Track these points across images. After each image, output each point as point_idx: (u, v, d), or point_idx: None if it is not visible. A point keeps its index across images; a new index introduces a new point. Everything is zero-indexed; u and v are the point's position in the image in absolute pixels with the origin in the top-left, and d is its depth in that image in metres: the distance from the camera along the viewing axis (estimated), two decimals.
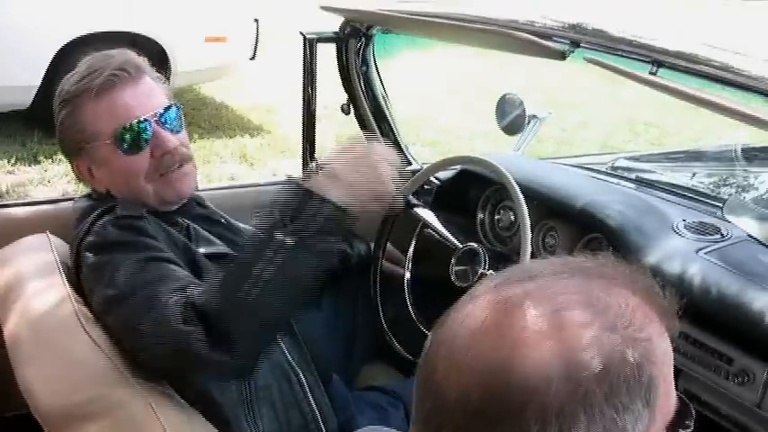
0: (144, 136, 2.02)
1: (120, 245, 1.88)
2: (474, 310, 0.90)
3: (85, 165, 2.10)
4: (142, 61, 2.08)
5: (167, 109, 2.07)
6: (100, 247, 1.90)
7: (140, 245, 1.87)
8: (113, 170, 2.06)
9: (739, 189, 2.94)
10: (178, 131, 2.09)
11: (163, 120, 2.04)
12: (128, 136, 2.00)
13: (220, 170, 6.52)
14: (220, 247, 2.10)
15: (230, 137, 7.12)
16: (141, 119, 2.01)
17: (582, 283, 0.91)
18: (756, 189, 3.08)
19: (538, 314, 0.86)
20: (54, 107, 2.09)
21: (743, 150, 3.18)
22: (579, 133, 8.09)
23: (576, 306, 0.87)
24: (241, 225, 2.33)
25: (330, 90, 2.92)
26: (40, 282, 1.98)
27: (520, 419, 0.83)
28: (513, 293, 0.90)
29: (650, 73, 1.66)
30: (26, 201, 2.82)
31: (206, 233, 2.12)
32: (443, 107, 8.45)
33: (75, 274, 1.96)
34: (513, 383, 0.83)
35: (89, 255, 1.90)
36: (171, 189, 2.08)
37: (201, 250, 2.02)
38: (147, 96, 2.05)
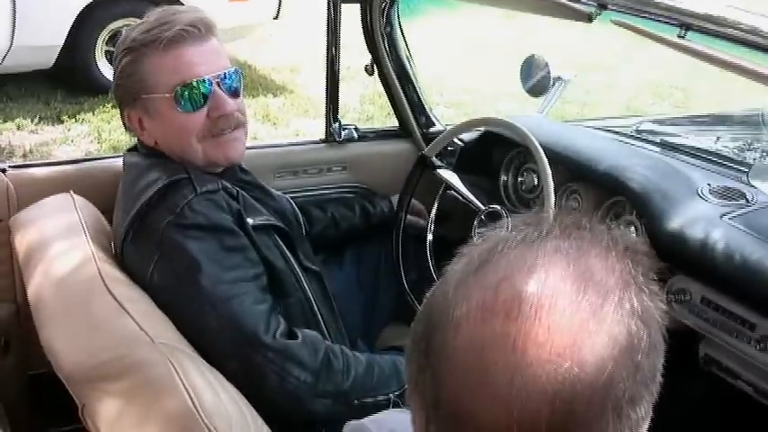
0: (203, 95, 2.02)
1: (208, 231, 1.93)
2: (481, 330, 0.81)
3: (137, 115, 2.08)
4: (211, 21, 2.07)
5: (230, 72, 2.08)
6: (186, 229, 1.91)
7: (225, 235, 1.94)
8: (167, 125, 2.05)
9: (765, 154, 2.90)
10: (237, 96, 2.09)
11: (224, 82, 2.05)
12: (187, 93, 2.00)
13: None
14: (270, 218, 2.12)
15: (253, 96, 7.10)
16: (204, 78, 2.01)
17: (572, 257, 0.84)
18: None
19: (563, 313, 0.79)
20: (116, 53, 2.08)
21: None
22: (604, 95, 8.02)
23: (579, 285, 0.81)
24: (274, 192, 2.34)
25: (354, 50, 2.90)
26: (64, 242, 1.99)
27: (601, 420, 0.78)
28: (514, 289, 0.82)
29: (678, 36, 1.64)
30: (49, 161, 2.83)
31: (252, 201, 2.13)
32: (468, 67, 8.38)
33: (131, 236, 1.98)
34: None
35: (176, 235, 1.91)
36: (221, 151, 2.08)
37: (250, 221, 2.03)
38: (212, 56, 2.05)
